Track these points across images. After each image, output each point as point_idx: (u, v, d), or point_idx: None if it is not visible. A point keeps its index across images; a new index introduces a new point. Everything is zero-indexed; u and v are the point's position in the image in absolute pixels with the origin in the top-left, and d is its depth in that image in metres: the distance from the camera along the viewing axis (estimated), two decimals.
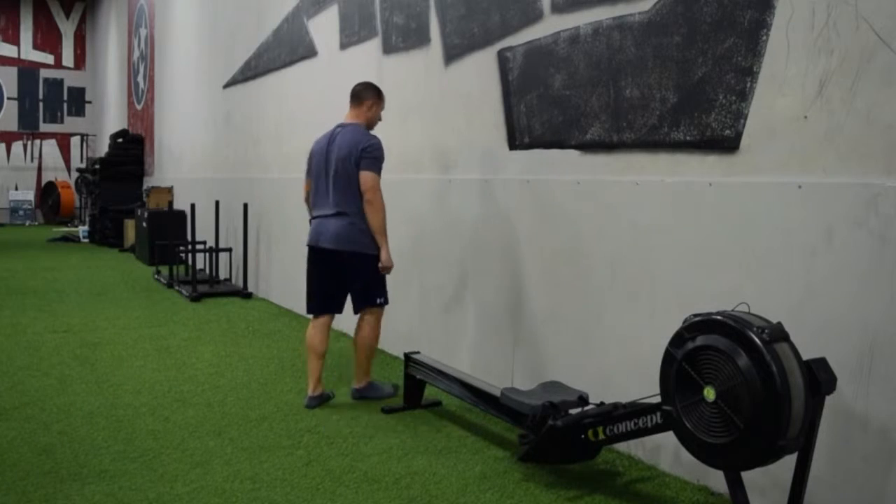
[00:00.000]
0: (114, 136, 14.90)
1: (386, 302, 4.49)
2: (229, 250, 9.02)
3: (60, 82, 20.58)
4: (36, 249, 13.21)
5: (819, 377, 2.57)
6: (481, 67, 4.69)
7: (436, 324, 5.20)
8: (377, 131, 4.52)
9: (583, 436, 3.21)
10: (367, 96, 4.47)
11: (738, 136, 3.19)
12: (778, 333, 2.57)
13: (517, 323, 4.43)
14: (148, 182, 13.75)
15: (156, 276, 9.53)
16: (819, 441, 2.68)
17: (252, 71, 8.55)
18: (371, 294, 4.44)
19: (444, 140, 5.08)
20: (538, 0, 4.22)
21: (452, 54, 4.99)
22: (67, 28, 20.70)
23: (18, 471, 3.44)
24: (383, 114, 4.58)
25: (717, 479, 3.17)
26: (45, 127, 20.44)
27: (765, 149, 3.10)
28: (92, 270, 10.40)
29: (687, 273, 3.41)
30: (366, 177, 4.27)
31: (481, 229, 4.73)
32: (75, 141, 20.23)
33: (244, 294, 8.35)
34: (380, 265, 4.33)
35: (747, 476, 2.73)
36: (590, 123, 3.91)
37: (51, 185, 19.55)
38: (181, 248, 9.19)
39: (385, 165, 4.70)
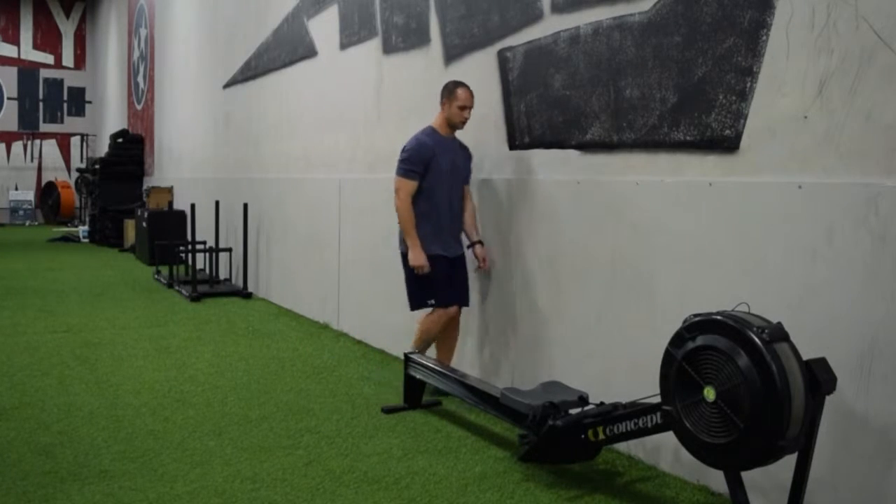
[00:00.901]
0: (114, 136, 14.90)
1: (420, 306, 4.54)
2: (229, 250, 9.02)
3: (60, 82, 20.59)
4: (36, 249, 13.21)
5: (819, 377, 2.57)
6: (481, 67, 4.68)
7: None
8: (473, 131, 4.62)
9: (583, 436, 3.21)
10: (441, 98, 4.52)
11: (738, 136, 3.19)
12: (778, 333, 2.57)
13: (517, 323, 4.43)
14: (148, 182, 13.75)
15: (156, 276, 9.53)
16: (819, 441, 2.68)
17: (252, 71, 8.55)
18: (408, 294, 4.58)
19: None
20: (538, 0, 4.22)
21: (452, 54, 4.99)
22: (67, 28, 20.70)
23: (18, 471, 3.44)
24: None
25: (717, 479, 3.17)
26: (45, 127, 20.45)
27: (765, 149, 3.10)
28: (92, 270, 10.40)
29: (687, 273, 3.41)
30: (394, 180, 4.46)
31: (481, 229, 4.72)
32: (75, 141, 20.23)
33: (244, 294, 8.35)
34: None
35: (747, 476, 2.73)
36: (590, 123, 3.91)
37: (51, 185, 19.55)
38: (181, 248, 9.19)
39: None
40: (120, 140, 14.71)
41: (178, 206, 11.26)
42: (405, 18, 5.52)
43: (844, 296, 2.79)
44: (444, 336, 4.64)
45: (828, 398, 2.66)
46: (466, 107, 4.46)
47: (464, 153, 4.64)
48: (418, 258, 4.39)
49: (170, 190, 11.92)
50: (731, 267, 3.20)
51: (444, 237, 4.50)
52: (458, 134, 4.61)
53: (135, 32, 15.20)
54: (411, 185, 4.39)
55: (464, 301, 4.62)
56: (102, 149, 17.35)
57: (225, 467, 3.51)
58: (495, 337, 4.63)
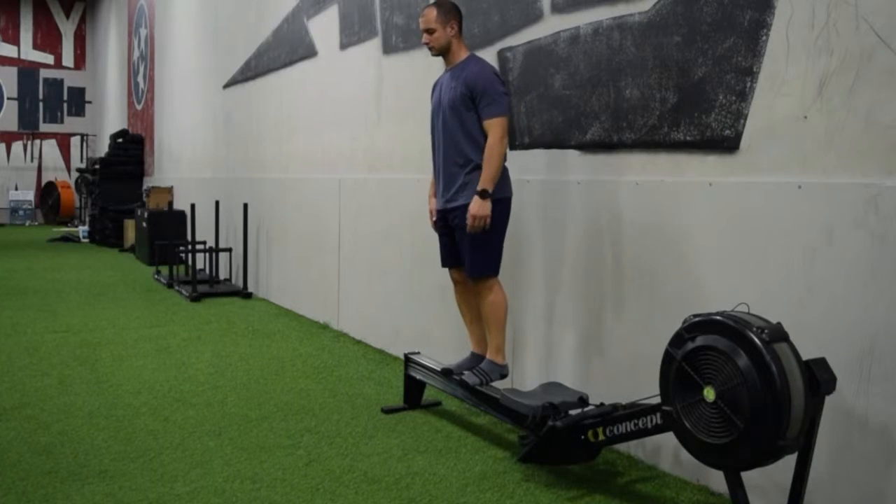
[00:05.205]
0: (114, 136, 14.91)
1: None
2: (229, 250, 9.02)
3: (60, 82, 20.58)
4: (36, 249, 13.21)
5: (819, 377, 2.57)
6: None
7: (436, 324, 5.20)
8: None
9: (583, 436, 3.21)
10: None
11: (738, 136, 3.19)
12: (778, 333, 2.57)
13: (517, 323, 4.43)
14: (148, 182, 13.74)
15: (156, 276, 9.53)
16: (819, 441, 2.68)
17: (252, 71, 8.55)
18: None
19: None
20: (538, 0, 4.22)
21: None
22: (67, 28, 20.69)
23: (18, 471, 3.44)
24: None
25: (717, 479, 3.17)
26: (45, 127, 20.44)
27: (765, 149, 3.10)
28: (92, 270, 10.40)
29: (687, 273, 3.41)
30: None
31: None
32: (75, 141, 20.22)
33: (244, 294, 8.35)
34: None
35: (747, 476, 2.73)
36: (590, 123, 3.91)
37: (51, 185, 19.55)
38: (181, 248, 9.19)
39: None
40: (120, 140, 14.71)
41: (178, 206, 11.25)
42: (405, 18, 5.52)
43: (844, 296, 2.79)
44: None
45: (828, 398, 2.66)
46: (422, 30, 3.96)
47: (453, 82, 3.86)
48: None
49: (170, 190, 11.91)
50: (731, 267, 3.20)
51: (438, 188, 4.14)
52: None
53: (135, 32, 15.20)
54: None
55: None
56: (102, 149, 17.35)
57: (225, 467, 3.51)
58: None
